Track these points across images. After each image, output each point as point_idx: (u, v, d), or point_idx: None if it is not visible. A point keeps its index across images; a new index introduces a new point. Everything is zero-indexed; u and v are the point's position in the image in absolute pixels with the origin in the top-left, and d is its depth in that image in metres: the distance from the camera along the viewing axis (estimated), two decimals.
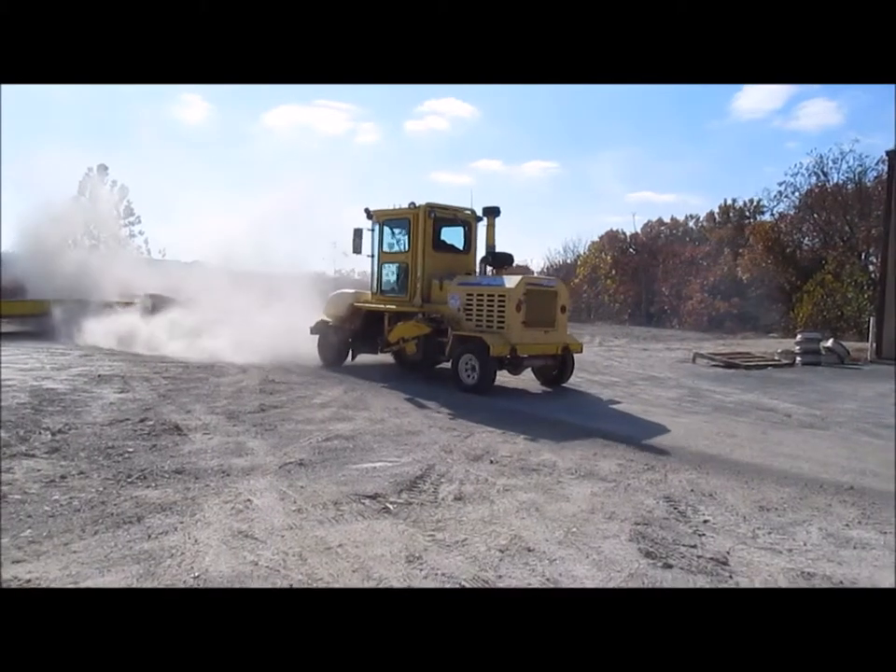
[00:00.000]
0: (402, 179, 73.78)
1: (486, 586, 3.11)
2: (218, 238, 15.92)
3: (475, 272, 10.74)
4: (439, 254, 10.46)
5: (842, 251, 31.00)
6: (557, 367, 10.05)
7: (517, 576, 3.22)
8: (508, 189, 69.31)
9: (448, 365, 9.75)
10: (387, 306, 10.79)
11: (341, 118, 71.36)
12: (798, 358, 15.42)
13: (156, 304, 15.30)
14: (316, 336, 11.60)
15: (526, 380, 10.39)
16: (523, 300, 9.16)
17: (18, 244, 17.59)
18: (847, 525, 4.18)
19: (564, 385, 10.18)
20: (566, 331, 10.09)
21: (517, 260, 13.16)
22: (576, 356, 10.22)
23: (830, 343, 16.05)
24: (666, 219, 45.32)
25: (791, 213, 35.02)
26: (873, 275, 27.50)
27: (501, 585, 3.13)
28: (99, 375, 9.18)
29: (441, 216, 10.43)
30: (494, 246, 10.40)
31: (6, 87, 16.78)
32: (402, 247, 10.76)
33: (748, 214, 40.65)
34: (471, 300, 9.62)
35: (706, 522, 4.13)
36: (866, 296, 26.80)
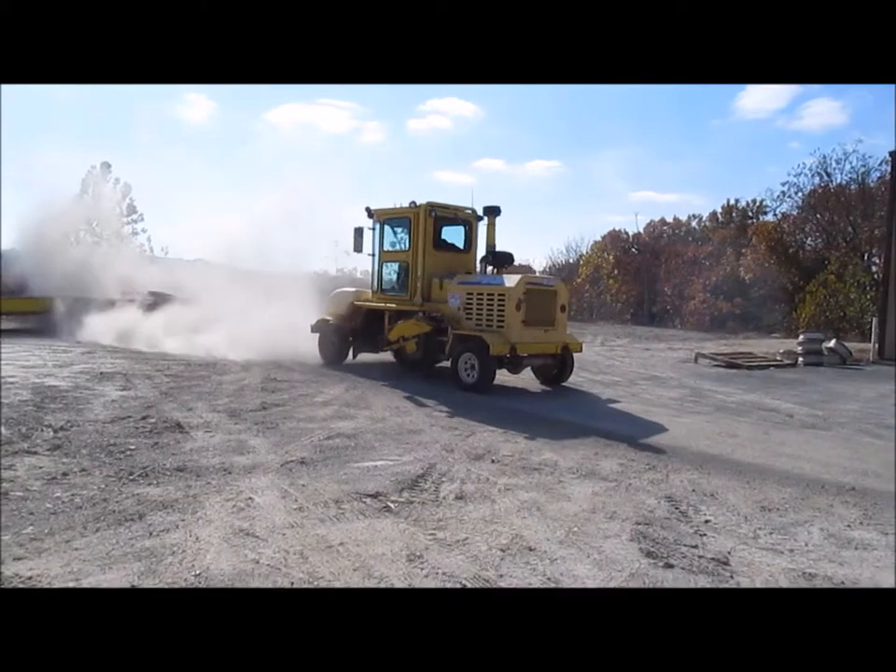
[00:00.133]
0: (405, 178, 73.89)
1: (487, 586, 3.11)
2: (220, 236, 15.99)
3: (475, 271, 10.75)
4: (439, 253, 10.48)
5: (845, 252, 30.94)
6: (557, 366, 10.07)
7: (518, 575, 3.22)
8: (510, 189, 69.42)
9: (448, 364, 9.77)
10: (388, 305, 10.81)
11: (343, 116, 71.46)
12: (800, 359, 15.39)
13: (156, 301, 15.37)
14: (313, 334, 11.65)
15: (526, 379, 10.39)
16: (522, 299, 9.18)
17: (19, 241, 17.62)
18: (849, 526, 4.17)
19: (565, 384, 10.19)
20: (565, 331, 10.11)
21: (519, 260, 13.24)
22: (578, 355, 10.24)
23: (832, 343, 16.02)
24: (669, 219, 45.32)
25: (794, 213, 34.97)
26: (875, 276, 27.46)
27: (502, 585, 3.12)
28: (101, 373, 9.20)
29: (441, 215, 10.45)
30: (494, 246, 10.42)
31: (6, 87, 16.79)
32: (403, 246, 10.77)
33: (750, 214, 40.58)
34: (471, 299, 9.64)
35: (707, 522, 4.13)
36: (869, 296, 26.75)
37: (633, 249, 42.93)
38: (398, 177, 71.44)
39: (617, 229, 44.01)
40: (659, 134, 70.22)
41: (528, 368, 10.03)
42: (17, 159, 34.03)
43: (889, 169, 22.48)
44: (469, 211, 10.84)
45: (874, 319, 18.61)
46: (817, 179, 33.29)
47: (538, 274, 24.88)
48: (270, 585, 3.00)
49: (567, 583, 3.16)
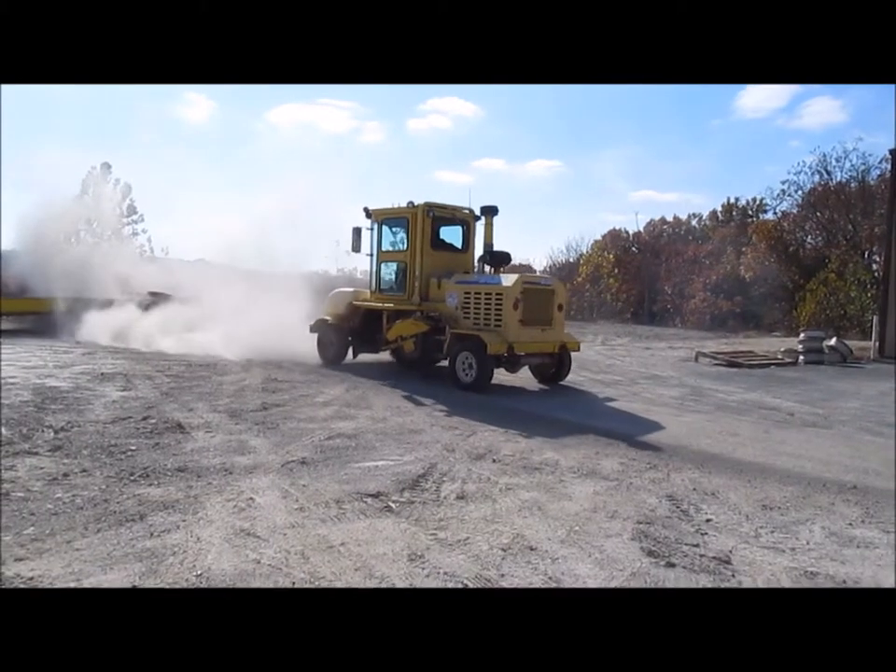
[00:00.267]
0: (405, 178, 73.93)
1: (489, 586, 3.10)
2: (221, 236, 16.03)
3: (473, 270, 10.76)
4: (437, 253, 10.50)
5: (845, 250, 30.96)
6: (554, 365, 10.10)
7: (519, 575, 3.22)
8: (510, 188, 69.40)
9: (446, 363, 9.79)
10: (386, 305, 10.83)
11: (344, 116, 71.46)
12: (801, 357, 15.39)
13: (155, 301, 15.42)
14: (311, 333, 11.70)
15: (526, 378, 10.40)
16: (520, 298, 9.20)
17: (19, 241, 17.62)
18: (850, 524, 4.17)
19: (566, 383, 10.21)
20: (563, 330, 10.14)
21: (520, 259, 13.28)
22: (579, 355, 10.27)
23: (833, 341, 16.02)
24: (669, 218, 45.33)
25: (795, 211, 34.98)
26: (876, 274, 27.47)
27: (504, 584, 3.12)
28: (102, 373, 9.20)
29: (439, 215, 10.47)
30: (492, 245, 10.44)
31: (6, 87, 16.78)
32: (401, 246, 10.80)
33: (750, 212, 40.61)
34: (469, 298, 9.66)
35: (708, 521, 4.13)
36: (869, 294, 26.77)
37: (633, 248, 42.95)
38: (398, 177, 71.56)
39: (617, 228, 44.14)
40: (659, 134, 70.33)
41: (526, 367, 10.05)
42: (17, 159, 34.04)
43: (889, 167, 22.47)
44: (467, 211, 10.86)
45: (874, 317, 18.62)
46: (817, 177, 33.37)
47: (536, 274, 24.90)
48: (271, 585, 3.00)
49: (569, 583, 3.16)
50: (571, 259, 45.82)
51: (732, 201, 42.00)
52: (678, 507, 4.37)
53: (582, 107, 75.08)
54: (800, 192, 34.12)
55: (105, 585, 2.93)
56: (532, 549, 3.55)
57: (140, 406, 6.96)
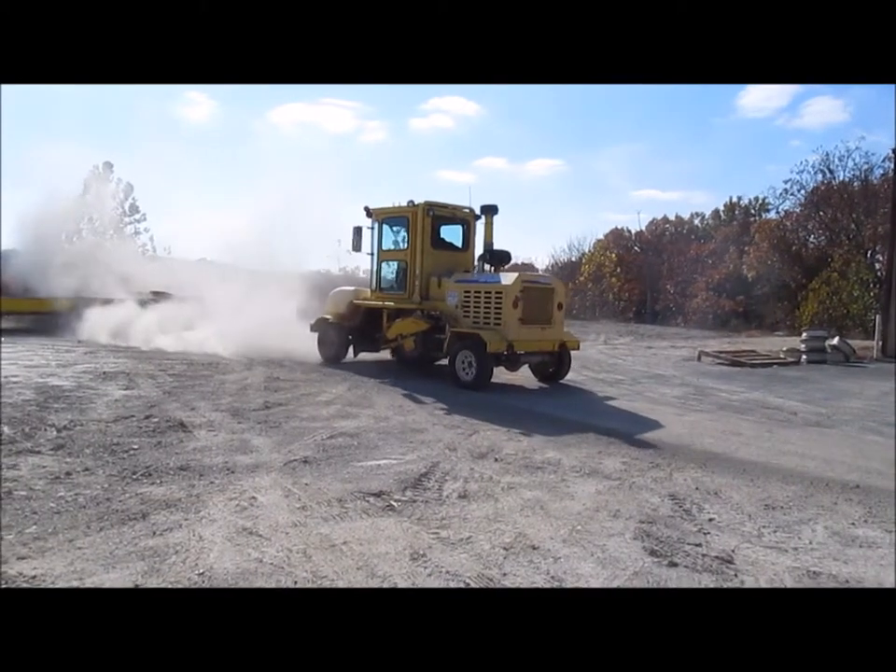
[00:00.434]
0: (407, 177, 73.96)
1: (491, 585, 3.10)
2: (222, 236, 16.11)
3: (473, 269, 10.77)
4: (437, 252, 10.52)
5: (848, 249, 30.88)
6: (554, 364, 10.12)
7: (522, 574, 3.22)
8: (513, 188, 69.37)
9: (446, 361, 9.80)
10: (386, 303, 10.86)
11: (346, 116, 71.49)
12: (803, 356, 15.37)
13: (155, 300, 15.49)
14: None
15: (527, 376, 10.40)
16: (520, 297, 9.21)
17: (20, 241, 17.65)
18: (853, 524, 4.16)
19: (567, 382, 10.21)
20: (562, 328, 10.17)
21: (522, 258, 13.31)
22: (581, 354, 10.29)
23: (835, 341, 15.99)
24: (671, 217, 45.24)
25: (797, 210, 34.89)
26: (879, 273, 27.42)
27: (506, 583, 3.12)
28: (104, 372, 9.21)
29: (439, 214, 10.49)
30: (492, 244, 10.47)
31: (6, 87, 16.80)
32: (401, 245, 10.81)
33: (753, 211, 40.55)
34: (469, 297, 9.68)
35: (711, 520, 4.12)
36: (872, 294, 26.72)
37: (635, 247, 42.95)
38: (400, 176, 71.56)
39: (619, 227, 44.15)
40: (661, 133, 70.23)
41: (526, 365, 10.06)
42: (18, 158, 34.09)
43: (891, 166, 22.47)
44: (467, 210, 10.89)
45: (877, 316, 18.58)
46: (819, 176, 33.25)
47: (538, 272, 24.89)
48: (273, 585, 3.00)
49: (571, 582, 3.16)
50: (573, 259, 45.85)
51: (734, 200, 42.01)
52: (680, 506, 4.37)
53: (584, 106, 75.12)
54: (803, 191, 34.05)
55: (108, 584, 2.93)
56: (534, 548, 3.55)
57: (142, 405, 6.97)
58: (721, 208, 42.85)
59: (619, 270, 40.33)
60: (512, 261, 11.54)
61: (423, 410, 7.55)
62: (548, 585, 3.12)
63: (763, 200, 39.30)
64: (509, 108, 76.78)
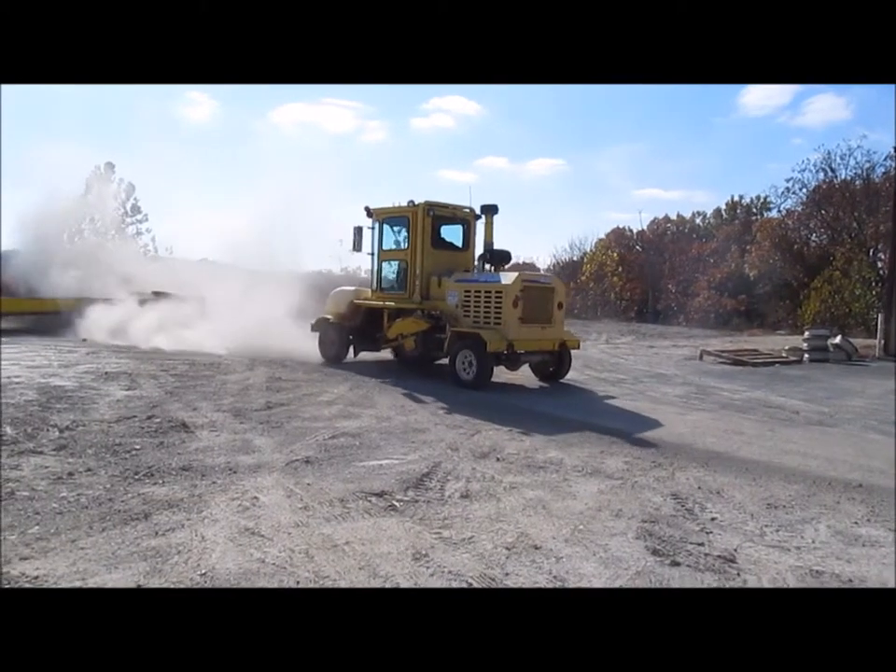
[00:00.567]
0: (408, 177, 73.96)
1: (493, 585, 3.10)
2: (223, 236, 16.15)
3: (473, 269, 10.78)
4: (437, 251, 10.53)
5: (850, 247, 30.81)
6: (554, 363, 10.14)
7: (524, 574, 3.22)
8: (514, 187, 69.35)
9: (446, 361, 9.80)
10: (387, 303, 10.88)
11: (347, 116, 71.47)
12: (806, 355, 15.36)
13: (156, 300, 15.52)
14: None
15: (529, 376, 10.39)
16: (520, 296, 9.22)
17: (21, 241, 17.67)
18: (856, 523, 4.15)
19: (569, 381, 10.22)
20: (563, 328, 10.18)
21: (524, 258, 13.32)
22: (583, 353, 10.28)
23: (837, 339, 15.97)
24: (673, 216, 45.16)
25: (799, 209, 34.82)
26: (881, 272, 27.38)
27: (508, 583, 3.12)
28: (106, 372, 9.22)
29: (439, 214, 10.51)
30: (492, 244, 10.48)
31: (6, 87, 16.82)
32: (402, 245, 10.82)
33: (755, 210, 40.48)
34: (469, 296, 9.69)
35: (713, 519, 4.11)
36: (874, 292, 26.67)
37: (637, 247, 42.89)
38: (401, 176, 71.56)
39: (621, 226, 44.11)
40: (662, 132, 70.09)
41: (526, 365, 10.06)
42: (19, 158, 34.13)
43: (893, 164, 22.43)
44: (467, 210, 10.90)
45: (879, 315, 18.55)
46: (821, 175, 33.15)
47: (539, 272, 24.88)
48: (275, 585, 3.00)
49: (574, 582, 3.16)
50: (575, 258, 45.79)
51: (736, 199, 41.93)
52: (682, 505, 4.37)
53: (584, 106, 75.02)
54: (804, 190, 33.95)
55: (110, 584, 2.93)
56: (537, 548, 3.55)
57: (144, 405, 6.97)
58: (723, 207, 42.81)
59: (620, 269, 40.27)
60: (514, 261, 11.55)
61: (424, 409, 7.55)
62: (550, 585, 3.12)
63: (765, 198, 39.27)
64: (509, 108, 76.82)
